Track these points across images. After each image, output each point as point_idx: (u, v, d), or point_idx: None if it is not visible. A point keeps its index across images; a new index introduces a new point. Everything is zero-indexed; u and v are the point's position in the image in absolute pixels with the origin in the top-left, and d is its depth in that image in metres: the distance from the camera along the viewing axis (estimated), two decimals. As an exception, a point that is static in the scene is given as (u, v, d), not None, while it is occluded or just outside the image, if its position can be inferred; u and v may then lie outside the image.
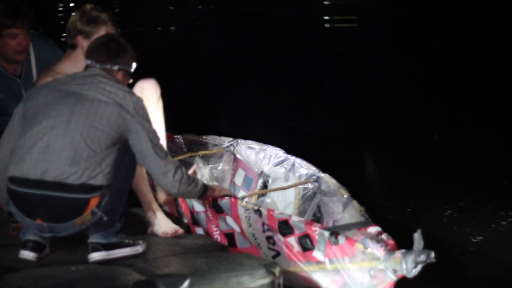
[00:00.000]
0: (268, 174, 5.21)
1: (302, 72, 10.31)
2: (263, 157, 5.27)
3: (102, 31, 4.54)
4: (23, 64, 4.82)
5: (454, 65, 10.11)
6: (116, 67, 4.20)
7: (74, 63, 4.57)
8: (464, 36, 11.19)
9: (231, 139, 5.46)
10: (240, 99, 9.02)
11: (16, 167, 3.97)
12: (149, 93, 4.63)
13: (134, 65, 4.30)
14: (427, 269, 4.18)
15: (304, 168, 5.10)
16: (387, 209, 5.99)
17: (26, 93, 4.19)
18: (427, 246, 4.88)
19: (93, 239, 4.13)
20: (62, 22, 11.65)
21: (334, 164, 6.68)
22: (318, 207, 4.94)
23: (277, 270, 4.01)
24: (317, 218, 4.90)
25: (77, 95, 4.04)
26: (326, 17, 13.39)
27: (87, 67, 4.21)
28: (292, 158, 5.19)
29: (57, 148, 3.93)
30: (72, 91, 4.05)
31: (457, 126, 7.96)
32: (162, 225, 4.53)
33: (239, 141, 5.44)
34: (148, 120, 4.10)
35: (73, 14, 4.59)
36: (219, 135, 5.54)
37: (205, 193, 4.39)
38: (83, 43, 4.55)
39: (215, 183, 5.21)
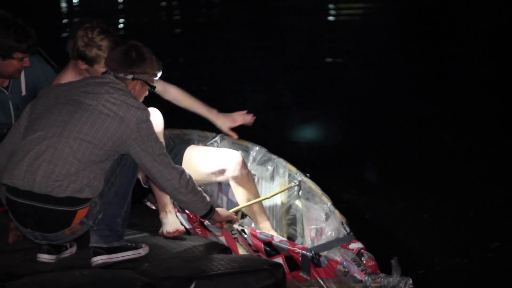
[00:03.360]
0: (253, 173, 5.16)
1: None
2: (247, 155, 5.22)
3: (101, 62, 4.45)
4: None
5: (463, 64, 9.83)
6: (130, 77, 4.12)
7: (78, 75, 4.56)
8: (472, 35, 10.99)
9: (214, 134, 5.37)
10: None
11: (8, 175, 3.96)
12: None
13: (157, 74, 4.22)
14: (451, 276, 4.21)
15: (287, 170, 5.08)
16: (402, 215, 5.94)
17: (39, 92, 4.22)
18: (451, 253, 5.00)
19: (94, 243, 4.14)
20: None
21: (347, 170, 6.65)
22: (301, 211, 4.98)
23: (281, 271, 4.02)
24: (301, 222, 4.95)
25: (79, 104, 3.99)
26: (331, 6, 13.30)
27: (103, 73, 4.18)
28: (275, 158, 5.16)
29: (45, 161, 3.90)
30: (75, 99, 4.01)
31: (467, 129, 7.67)
32: (168, 224, 4.55)
33: (224, 136, 5.34)
34: (149, 135, 3.99)
35: (80, 30, 4.53)
36: (202, 129, 5.45)
37: (211, 214, 4.25)
38: (83, 66, 4.53)
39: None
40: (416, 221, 5.68)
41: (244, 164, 4.86)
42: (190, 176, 4.11)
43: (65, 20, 13.27)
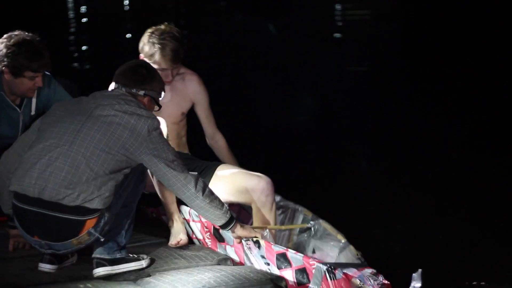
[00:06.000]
0: None
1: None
2: None
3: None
4: None
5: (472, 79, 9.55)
6: (142, 92, 4.18)
7: None
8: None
9: None
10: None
11: (18, 183, 3.97)
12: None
13: (162, 93, 4.29)
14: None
15: (302, 214, 5.01)
16: (415, 237, 5.81)
17: (52, 106, 4.24)
18: (468, 273, 4.98)
19: (97, 254, 4.15)
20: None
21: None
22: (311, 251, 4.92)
23: (283, 284, 4.04)
24: None
25: (90, 114, 4.03)
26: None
27: (113, 89, 4.22)
28: (291, 205, 5.10)
29: (57, 168, 3.92)
30: (86, 110, 4.05)
31: (476, 146, 7.46)
32: (172, 234, 4.58)
33: None
34: (161, 141, 4.04)
35: (155, 26, 4.71)
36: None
37: (232, 224, 4.21)
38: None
39: None
40: (430, 242, 5.65)
41: (272, 191, 4.76)
42: (205, 182, 4.14)
43: (72, 29, 13.25)
